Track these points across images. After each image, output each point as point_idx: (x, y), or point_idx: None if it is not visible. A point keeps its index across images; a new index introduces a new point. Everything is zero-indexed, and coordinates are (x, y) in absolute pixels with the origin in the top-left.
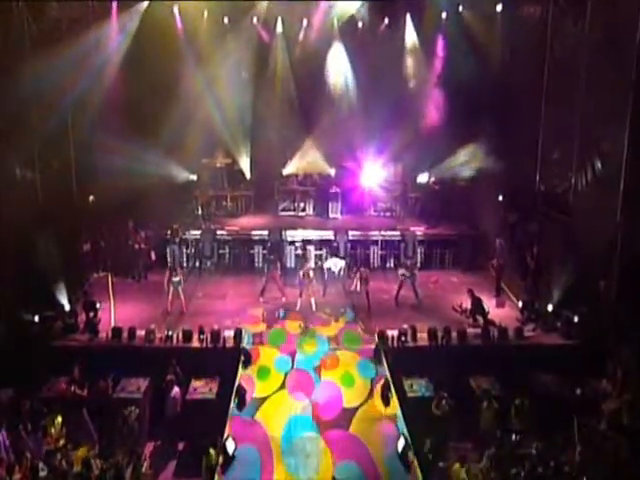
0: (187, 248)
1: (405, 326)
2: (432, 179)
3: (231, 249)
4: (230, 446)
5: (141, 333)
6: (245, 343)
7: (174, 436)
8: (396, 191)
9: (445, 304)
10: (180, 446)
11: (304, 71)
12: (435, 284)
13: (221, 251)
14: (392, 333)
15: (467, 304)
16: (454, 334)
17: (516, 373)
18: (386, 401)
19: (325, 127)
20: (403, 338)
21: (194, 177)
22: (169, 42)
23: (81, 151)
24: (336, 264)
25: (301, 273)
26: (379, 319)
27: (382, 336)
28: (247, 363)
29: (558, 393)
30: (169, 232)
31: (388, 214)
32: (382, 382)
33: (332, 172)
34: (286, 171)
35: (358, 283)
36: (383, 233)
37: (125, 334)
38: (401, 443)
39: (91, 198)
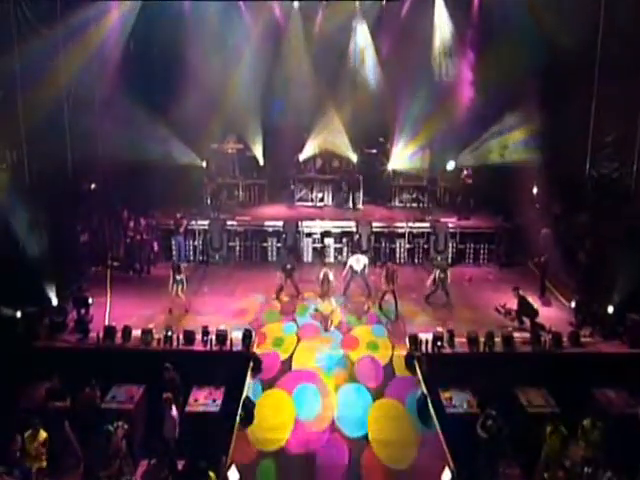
0: (194, 240)
1: (440, 329)
2: (465, 172)
3: (242, 241)
4: (233, 476)
5: (137, 333)
6: (255, 346)
7: (172, 456)
8: (424, 180)
9: (483, 304)
10: (179, 465)
11: (323, 51)
12: (469, 282)
13: (231, 243)
14: (425, 337)
15: (512, 304)
16: (498, 339)
17: (572, 387)
18: (424, 418)
19: (346, 110)
20: (439, 343)
21: (203, 163)
22: (178, 20)
23: (79, 134)
24: (359, 261)
25: (321, 274)
26: (409, 321)
27: (414, 340)
28: (257, 370)
29: (624, 411)
30: (172, 222)
31: (415, 205)
32: (418, 396)
33: (354, 158)
34: (303, 156)
35: (384, 280)
36: (411, 225)
37: (119, 334)
38: (446, 476)
39: (93, 186)
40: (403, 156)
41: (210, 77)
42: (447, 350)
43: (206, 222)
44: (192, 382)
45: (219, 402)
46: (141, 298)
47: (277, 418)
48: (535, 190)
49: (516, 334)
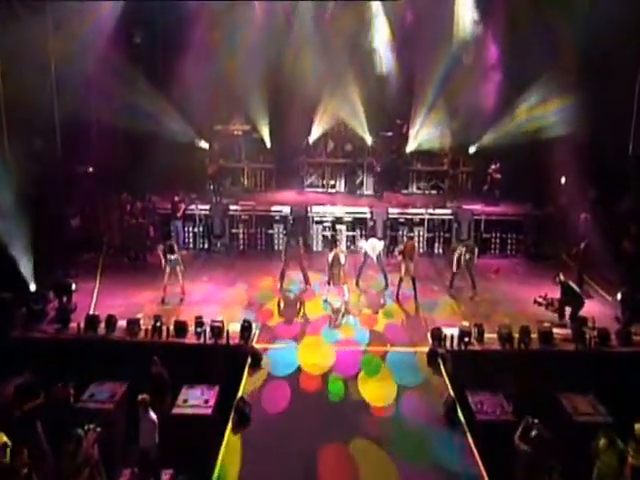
0: (194, 226)
1: (466, 324)
2: (493, 166)
3: (246, 228)
4: None
5: (123, 324)
6: (255, 340)
7: (153, 467)
8: (444, 164)
9: (513, 298)
10: (166, 475)
11: (335, 30)
12: (496, 274)
13: (234, 230)
14: (450, 332)
15: (553, 295)
16: (534, 336)
17: (624, 392)
18: (453, 424)
19: (360, 90)
20: (466, 339)
21: (206, 145)
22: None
23: (69, 111)
24: (374, 247)
25: (330, 256)
26: (431, 314)
27: (438, 336)
28: (256, 365)
29: None
30: (170, 205)
31: (434, 192)
32: (445, 399)
33: (368, 141)
34: (313, 139)
35: (400, 257)
36: (431, 211)
37: (102, 324)
38: None
39: (90, 169)
40: (421, 138)
41: (216, 56)
42: (475, 347)
43: (207, 207)
44: (182, 380)
45: (212, 404)
46: (133, 286)
47: (320, 353)
48: (563, 180)
49: (555, 330)
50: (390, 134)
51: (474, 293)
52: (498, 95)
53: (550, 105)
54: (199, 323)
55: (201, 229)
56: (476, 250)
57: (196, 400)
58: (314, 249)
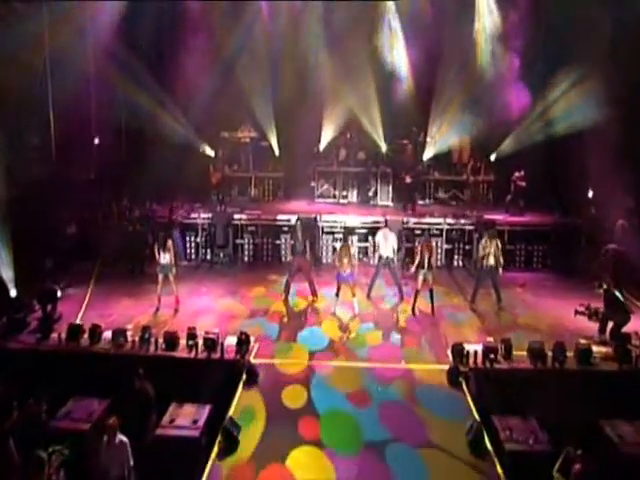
0: (196, 235)
1: (491, 339)
2: (517, 174)
3: (251, 238)
4: None
5: (108, 335)
6: (253, 355)
7: None
8: (463, 174)
9: (541, 313)
10: None
11: (347, 29)
12: (523, 287)
13: (238, 240)
14: (474, 349)
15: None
16: (570, 354)
17: None
18: (477, 452)
19: (373, 93)
20: (492, 356)
21: (211, 152)
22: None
23: (66, 111)
24: (387, 239)
25: (339, 247)
26: (450, 329)
27: (459, 353)
28: (252, 382)
29: None
30: (168, 213)
31: (453, 202)
32: (469, 425)
33: (382, 148)
34: (324, 145)
35: (419, 275)
36: (449, 221)
37: (86, 335)
38: None
39: (92, 177)
40: (439, 146)
41: (223, 61)
42: (502, 365)
43: (209, 215)
44: (171, 397)
45: (201, 424)
46: (127, 296)
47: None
48: (592, 191)
49: (595, 347)
50: (406, 142)
51: (499, 306)
52: (522, 93)
53: (577, 98)
54: (191, 335)
55: (203, 239)
56: (501, 260)
57: (184, 420)
58: (324, 261)
